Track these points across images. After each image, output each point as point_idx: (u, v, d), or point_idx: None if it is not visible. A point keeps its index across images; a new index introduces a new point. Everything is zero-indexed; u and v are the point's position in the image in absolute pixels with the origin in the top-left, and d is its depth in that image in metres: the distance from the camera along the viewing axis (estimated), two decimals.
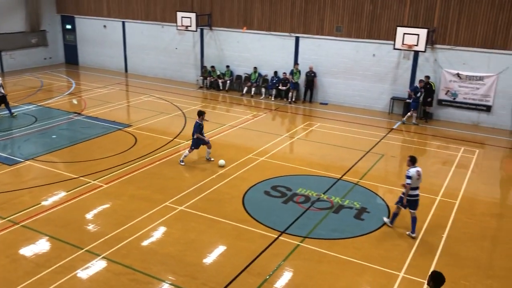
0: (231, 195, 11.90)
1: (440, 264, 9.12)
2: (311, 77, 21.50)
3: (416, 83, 19.01)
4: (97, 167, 13.40)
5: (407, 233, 10.23)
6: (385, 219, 10.80)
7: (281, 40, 22.40)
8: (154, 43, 26.38)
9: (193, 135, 13.60)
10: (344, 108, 21.03)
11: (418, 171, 9.88)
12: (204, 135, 13.85)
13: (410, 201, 10.02)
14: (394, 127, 18.54)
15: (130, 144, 15.47)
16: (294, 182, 12.77)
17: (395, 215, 10.49)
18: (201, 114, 13.64)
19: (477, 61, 18.47)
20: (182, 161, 13.77)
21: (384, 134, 17.49)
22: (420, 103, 18.80)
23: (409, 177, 9.78)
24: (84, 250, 9.25)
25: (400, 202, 10.21)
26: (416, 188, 9.98)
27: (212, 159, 13.98)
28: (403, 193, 10.05)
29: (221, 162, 13.63)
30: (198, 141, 13.64)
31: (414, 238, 10.08)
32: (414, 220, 10.11)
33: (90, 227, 10.25)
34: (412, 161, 10.00)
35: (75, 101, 21.28)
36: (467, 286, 8.54)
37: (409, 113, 18.78)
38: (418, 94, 18.41)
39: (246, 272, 8.74)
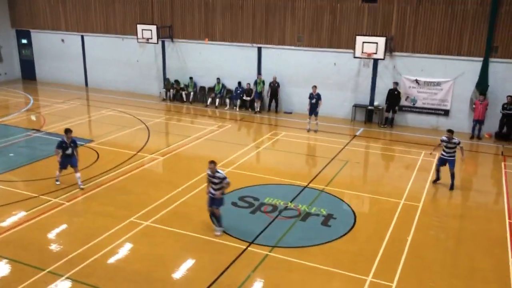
0: (198, 207, 11.74)
1: (406, 266, 9.29)
2: (275, 87, 21.67)
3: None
4: (59, 185, 12.99)
5: (218, 232, 10.37)
6: (217, 231, 10.45)
7: (244, 51, 22.51)
8: (115, 56, 26.00)
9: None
10: (308, 116, 21.24)
11: None
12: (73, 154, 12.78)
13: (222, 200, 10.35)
14: (357, 134, 18.88)
15: (93, 159, 15.10)
16: (261, 192, 12.76)
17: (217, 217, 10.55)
18: (66, 132, 12.62)
19: (434, 67, 19.11)
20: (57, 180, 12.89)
21: (348, 141, 17.78)
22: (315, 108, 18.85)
23: (225, 177, 10.13)
24: (46, 271, 8.90)
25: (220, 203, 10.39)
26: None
27: (83, 186, 12.80)
28: (222, 193, 10.27)
29: None
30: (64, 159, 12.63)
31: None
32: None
33: (52, 247, 9.90)
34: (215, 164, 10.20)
35: (33, 118, 20.66)
36: (432, 287, 8.72)
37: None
38: (313, 101, 18.75)
39: (216, 284, 8.63)
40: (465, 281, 8.92)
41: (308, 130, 19.05)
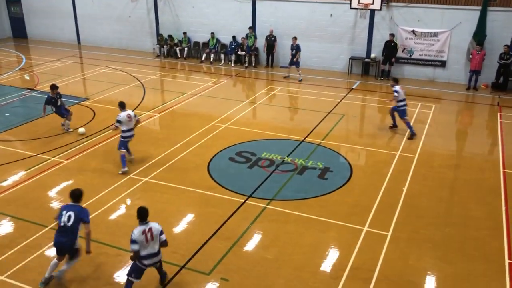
0: (196, 163, 11.88)
1: (401, 216, 9.51)
2: (271, 41, 21.27)
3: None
4: (57, 143, 13.03)
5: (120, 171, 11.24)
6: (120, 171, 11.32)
7: (238, 3, 22.00)
8: (107, 12, 25.40)
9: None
10: (304, 70, 21.02)
11: (128, 114, 11.23)
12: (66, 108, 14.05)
13: (124, 142, 11.32)
14: (353, 87, 18.80)
15: (89, 118, 15.07)
16: (258, 147, 12.85)
17: (123, 157, 11.38)
18: (53, 88, 13.63)
19: (431, 17, 18.79)
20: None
21: (344, 94, 17.73)
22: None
23: (119, 121, 11.11)
24: (49, 227, 9.08)
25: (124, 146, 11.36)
26: (131, 129, 11.38)
27: (71, 129, 13.98)
28: (123, 136, 11.30)
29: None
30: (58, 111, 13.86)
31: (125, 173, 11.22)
32: (123, 158, 11.38)
33: (54, 204, 10.05)
34: (122, 106, 11.26)
35: (27, 77, 20.42)
36: (427, 235, 8.95)
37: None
38: (293, 51, 19.19)
39: (215, 237, 8.84)
40: (459, 229, 9.16)
41: (285, 77, 19.76)
